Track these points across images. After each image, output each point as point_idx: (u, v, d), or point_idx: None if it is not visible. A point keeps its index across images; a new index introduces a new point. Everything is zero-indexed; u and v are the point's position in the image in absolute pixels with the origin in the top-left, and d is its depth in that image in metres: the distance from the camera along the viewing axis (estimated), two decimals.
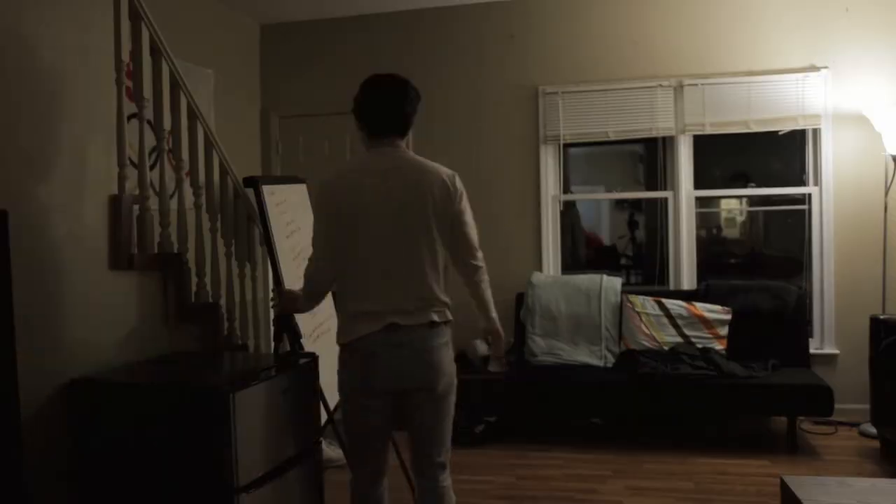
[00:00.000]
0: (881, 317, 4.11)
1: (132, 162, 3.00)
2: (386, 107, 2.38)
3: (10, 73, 2.35)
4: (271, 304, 2.72)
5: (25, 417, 2.25)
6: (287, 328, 2.83)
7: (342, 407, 2.44)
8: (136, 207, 2.90)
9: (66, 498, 2.49)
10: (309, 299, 2.47)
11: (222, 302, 3.40)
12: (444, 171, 2.42)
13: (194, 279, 3.22)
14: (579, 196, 5.36)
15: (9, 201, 2.25)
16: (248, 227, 3.52)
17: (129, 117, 2.89)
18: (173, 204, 3.17)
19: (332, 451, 3.99)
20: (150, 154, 3.15)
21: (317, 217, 2.38)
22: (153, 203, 2.99)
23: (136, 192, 2.94)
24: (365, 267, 2.32)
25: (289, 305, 2.52)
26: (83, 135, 2.65)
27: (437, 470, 2.44)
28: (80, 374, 2.51)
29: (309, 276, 2.42)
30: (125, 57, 2.84)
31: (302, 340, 2.84)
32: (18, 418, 2.16)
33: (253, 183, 2.88)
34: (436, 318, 2.34)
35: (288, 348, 2.85)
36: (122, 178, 2.82)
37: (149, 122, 3.00)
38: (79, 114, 2.63)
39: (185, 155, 3.19)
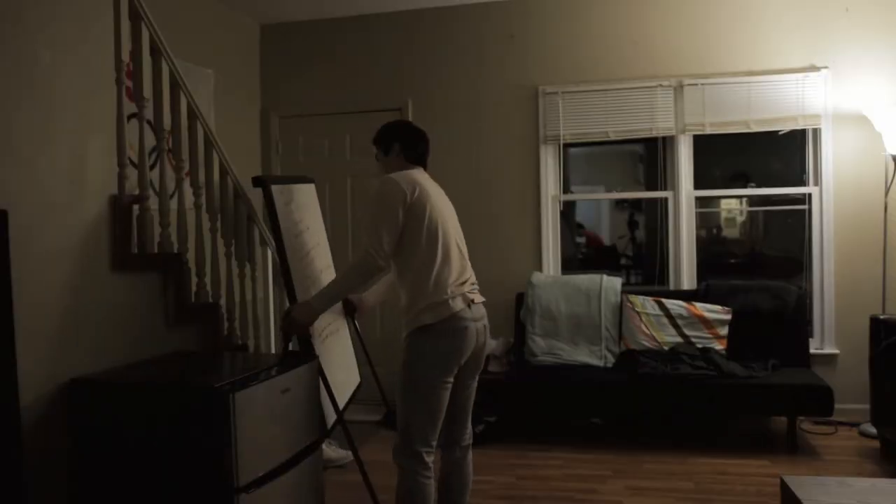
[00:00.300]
0: (881, 317, 4.11)
1: (132, 162, 3.00)
2: (424, 148, 2.89)
3: (10, 73, 2.35)
4: (281, 325, 2.79)
5: (25, 417, 2.25)
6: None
7: (419, 382, 2.58)
8: (136, 207, 2.90)
9: (65, 498, 2.49)
10: (360, 288, 2.75)
11: (222, 302, 3.41)
12: None
13: (194, 279, 3.22)
14: (579, 196, 5.36)
15: (9, 201, 2.25)
16: (248, 227, 3.52)
17: (129, 117, 2.89)
18: (173, 204, 3.17)
19: (332, 451, 3.99)
20: (150, 154, 3.15)
21: (393, 213, 2.58)
22: (153, 203, 2.99)
23: (136, 192, 2.94)
24: (447, 256, 2.65)
25: (308, 321, 2.68)
26: (83, 135, 2.65)
27: (469, 440, 2.84)
28: (80, 374, 2.51)
29: (376, 265, 2.56)
30: (125, 57, 2.84)
31: (313, 341, 2.83)
32: (18, 418, 2.16)
33: (262, 183, 2.87)
34: (484, 299, 2.80)
35: (297, 348, 2.84)
36: (122, 178, 2.83)
37: (149, 122, 3.00)
38: (79, 114, 2.63)
39: (185, 155, 3.19)
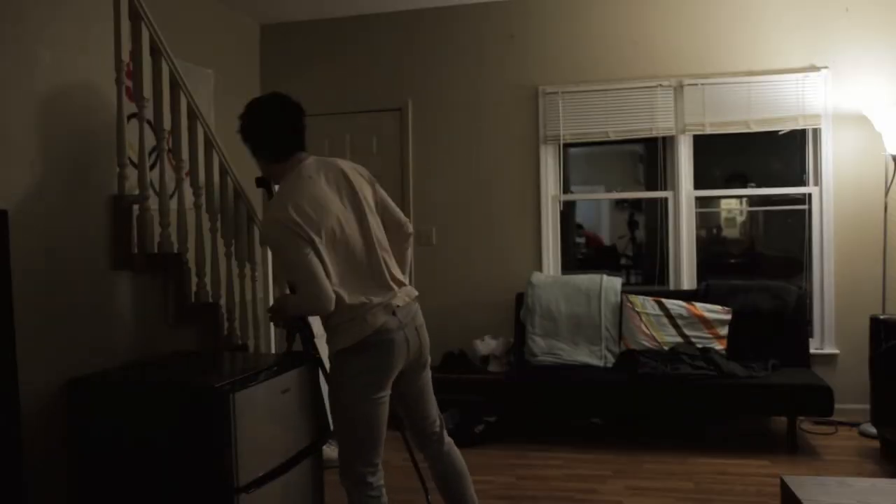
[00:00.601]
0: (881, 317, 4.11)
1: (132, 162, 3.00)
2: (291, 128, 2.46)
3: (10, 73, 2.35)
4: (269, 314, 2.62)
5: (25, 417, 2.25)
6: (300, 328, 2.81)
7: (350, 405, 2.38)
8: (136, 207, 2.90)
9: (65, 498, 2.49)
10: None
11: (222, 302, 3.41)
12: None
13: (194, 279, 3.22)
14: (579, 196, 5.36)
15: (9, 201, 2.25)
16: (248, 227, 3.52)
17: (129, 117, 2.89)
18: (173, 204, 3.17)
19: (332, 451, 3.99)
20: (150, 154, 3.15)
21: (302, 251, 2.25)
22: (153, 203, 2.99)
23: (136, 192, 2.94)
24: (357, 268, 2.39)
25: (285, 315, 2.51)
26: (83, 134, 2.65)
27: (444, 429, 2.67)
28: (80, 374, 2.51)
29: (325, 307, 2.28)
30: (125, 57, 2.84)
31: (315, 340, 2.82)
32: (18, 418, 2.16)
33: (265, 183, 2.87)
34: (415, 293, 2.56)
35: (300, 348, 2.84)
36: (122, 178, 2.83)
37: (149, 122, 3.00)
38: (79, 114, 2.63)
39: (185, 155, 3.19)
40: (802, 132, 4.79)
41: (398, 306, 2.41)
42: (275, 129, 2.44)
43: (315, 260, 2.26)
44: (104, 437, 2.44)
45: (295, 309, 2.45)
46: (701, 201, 5.01)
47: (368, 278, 2.40)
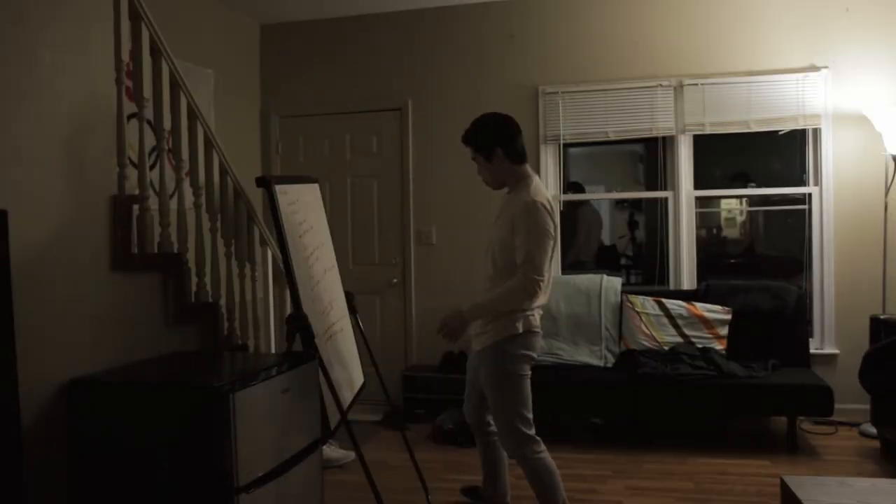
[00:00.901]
0: (881, 317, 4.12)
1: (132, 162, 3.00)
2: (522, 139, 3.08)
3: (10, 73, 2.35)
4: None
5: (25, 417, 2.25)
6: (300, 328, 2.80)
7: (517, 379, 2.85)
8: (136, 207, 2.90)
9: (65, 498, 2.49)
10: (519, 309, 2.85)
11: (222, 302, 3.41)
12: None
13: (194, 279, 3.22)
14: (579, 196, 5.35)
15: (9, 201, 2.25)
16: (248, 227, 3.52)
17: (129, 117, 2.89)
18: (173, 204, 3.17)
19: (332, 451, 3.99)
20: (150, 154, 3.15)
21: (547, 240, 2.75)
22: (153, 203, 2.99)
23: (136, 192, 2.94)
24: (548, 274, 2.83)
25: (459, 329, 2.92)
26: (83, 135, 2.65)
27: (491, 426, 3.18)
28: (80, 374, 2.51)
29: (536, 291, 2.74)
30: (125, 57, 2.84)
31: (315, 340, 2.82)
32: (18, 418, 2.16)
33: (265, 183, 2.87)
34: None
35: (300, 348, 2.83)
36: (122, 178, 2.83)
37: (149, 122, 3.00)
38: (78, 114, 2.63)
39: (185, 155, 3.19)
40: (802, 132, 4.79)
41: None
42: (520, 138, 3.04)
43: (549, 252, 2.76)
44: (104, 437, 2.44)
45: (502, 298, 2.79)
46: (701, 201, 5.01)
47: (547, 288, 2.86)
